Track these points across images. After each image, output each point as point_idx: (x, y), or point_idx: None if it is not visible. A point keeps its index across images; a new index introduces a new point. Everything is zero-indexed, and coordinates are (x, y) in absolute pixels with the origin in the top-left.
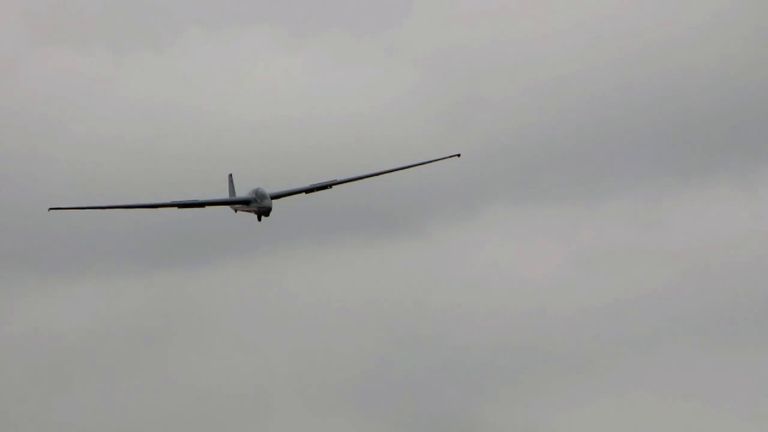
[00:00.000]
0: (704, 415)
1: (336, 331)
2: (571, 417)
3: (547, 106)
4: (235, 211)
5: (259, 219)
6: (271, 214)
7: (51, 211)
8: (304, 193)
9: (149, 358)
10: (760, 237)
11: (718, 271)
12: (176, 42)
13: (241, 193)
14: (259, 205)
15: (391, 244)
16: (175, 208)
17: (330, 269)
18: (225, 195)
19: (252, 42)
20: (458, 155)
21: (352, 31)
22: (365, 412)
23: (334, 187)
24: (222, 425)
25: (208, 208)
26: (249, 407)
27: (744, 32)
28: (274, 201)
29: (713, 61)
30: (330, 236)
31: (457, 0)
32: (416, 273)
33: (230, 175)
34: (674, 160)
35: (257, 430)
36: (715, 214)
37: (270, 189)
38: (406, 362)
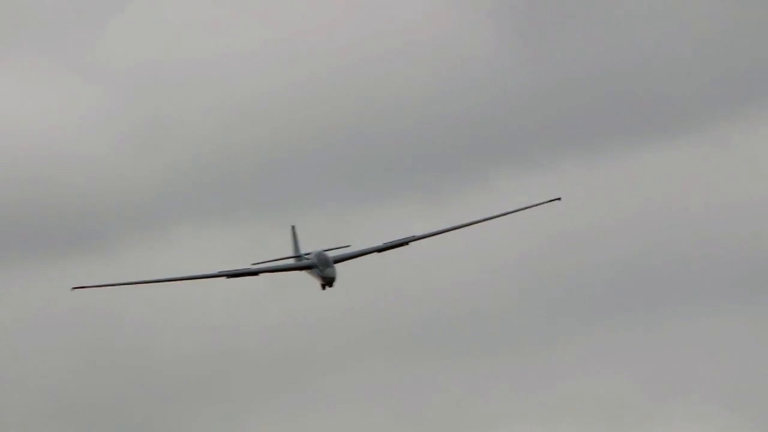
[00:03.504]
0: None
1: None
2: None
3: (240, 128)
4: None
5: (323, 288)
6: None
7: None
8: (376, 253)
9: None
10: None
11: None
12: None
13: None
14: (321, 274)
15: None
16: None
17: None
18: (288, 249)
19: None
20: (559, 199)
21: (45, 51)
22: None
23: (411, 243)
24: None
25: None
26: None
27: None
28: (340, 264)
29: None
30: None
31: (155, 17)
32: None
33: (293, 227)
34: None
35: None
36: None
37: (336, 251)
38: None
